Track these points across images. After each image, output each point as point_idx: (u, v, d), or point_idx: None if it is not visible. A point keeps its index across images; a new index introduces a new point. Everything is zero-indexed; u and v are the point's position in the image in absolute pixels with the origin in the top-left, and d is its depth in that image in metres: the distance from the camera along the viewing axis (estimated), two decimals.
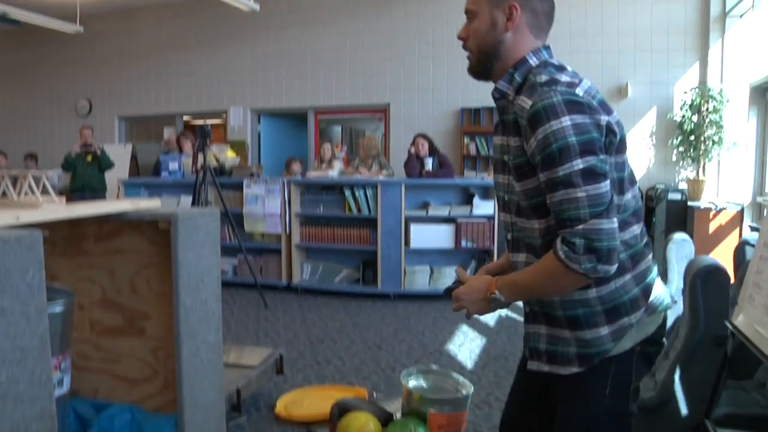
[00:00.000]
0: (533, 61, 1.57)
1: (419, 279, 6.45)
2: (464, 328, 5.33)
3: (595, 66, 7.86)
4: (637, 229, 1.59)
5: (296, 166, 7.75)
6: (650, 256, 1.62)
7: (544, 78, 1.49)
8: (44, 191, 2.27)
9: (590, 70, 7.89)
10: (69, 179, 8.59)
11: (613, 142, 1.49)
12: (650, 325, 1.59)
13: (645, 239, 1.62)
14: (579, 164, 1.40)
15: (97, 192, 8.37)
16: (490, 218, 6.46)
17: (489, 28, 1.58)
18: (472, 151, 8.55)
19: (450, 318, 5.62)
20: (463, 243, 6.45)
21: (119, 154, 9.42)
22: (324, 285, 6.70)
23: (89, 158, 8.39)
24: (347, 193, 6.53)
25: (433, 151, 7.08)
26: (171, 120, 10.30)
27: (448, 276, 6.48)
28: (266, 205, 6.78)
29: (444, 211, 6.53)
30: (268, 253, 6.93)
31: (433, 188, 6.73)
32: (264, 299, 6.03)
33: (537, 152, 1.44)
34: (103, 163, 8.39)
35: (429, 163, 6.94)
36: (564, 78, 1.49)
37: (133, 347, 2.64)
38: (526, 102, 1.46)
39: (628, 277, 1.55)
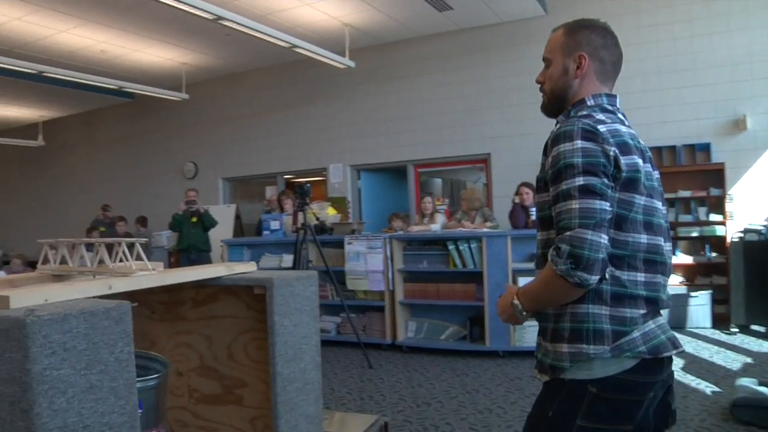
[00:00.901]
0: (589, 102, 1.76)
1: (529, 335, 6.07)
2: None
3: (707, 99, 7.36)
4: (642, 277, 1.64)
5: (398, 222, 7.62)
6: (649, 311, 1.64)
7: (582, 113, 1.71)
8: (139, 257, 2.20)
9: (703, 104, 7.40)
10: (176, 239, 8.87)
11: (617, 176, 1.60)
12: (612, 366, 1.61)
13: (653, 293, 1.65)
14: (580, 181, 1.56)
15: (202, 252, 8.56)
16: None
17: (561, 74, 1.79)
18: None
19: None
20: None
21: (223, 214, 9.66)
22: (429, 343, 6.43)
23: (194, 219, 8.63)
24: (451, 247, 6.30)
25: None
26: (273, 179, 10.50)
27: None
28: (368, 262, 6.64)
29: None
30: (371, 310, 6.76)
31: None
32: (368, 359, 5.84)
33: (550, 168, 1.63)
34: (206, 223, 8.60)
35: (535, 213, 6.60)
36: (599, 116, 1.68)
37: (231, 416, 2.55)
38: (558, 124, 1.70)
39: (603, 310, 1.62)
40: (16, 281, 2.31)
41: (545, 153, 1.70)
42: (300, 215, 6.15)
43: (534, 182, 5.95)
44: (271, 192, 9.92)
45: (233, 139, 10.55)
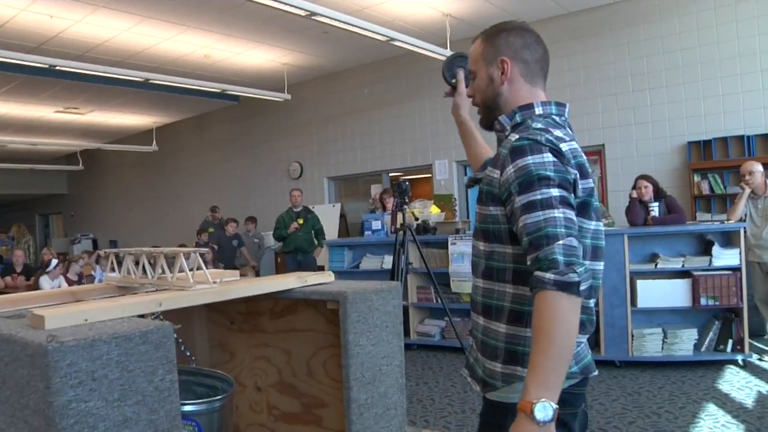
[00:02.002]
0: (538, 110, 1.66)
1: (650, 344, 5.53)
2: (711, 407, 4.36)
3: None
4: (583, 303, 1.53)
5: None
6: (581, 332, 1.50)
7: (538, 125, 1.59)
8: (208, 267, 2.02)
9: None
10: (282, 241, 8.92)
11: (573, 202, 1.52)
12: None
13: (587, 316, 1.57)
14: (556, 192, 1.46)
15: (307, 253, 8.53)
16: (736, 270, 5.42)
17: (487, 83, 1.73)
18: (705, 189, 7.48)
19: (691, 393, 4.66)
20: (703, 300, 5.46)
21: (328, 213, 9.62)
22: None
23: (300, 220, 8.63)
24: None
25: (658, 193, 6.21)
26: (378, 177, 10.35)
27: (685, 340, 5.49)
28: None
29: (677, 264, 5.63)
30: None
31: (661, 237, 5.84)
32: None
33: (513, 179, 1.49)
34: (312, 225, 8.58)
35: (655, 208, 6.09)
36: (556, 132, 1.56)
37: None
38: (513, 136, 1.58)
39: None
40: (78, 293, 2.19)
41: (494, 165, 1.60)
42: (399, 215, 5.91)
43: (651, 174, 5.36)
44: (376, 190, 9.78)
45: (337, 138, 10.50)
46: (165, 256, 2.05)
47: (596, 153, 8.24)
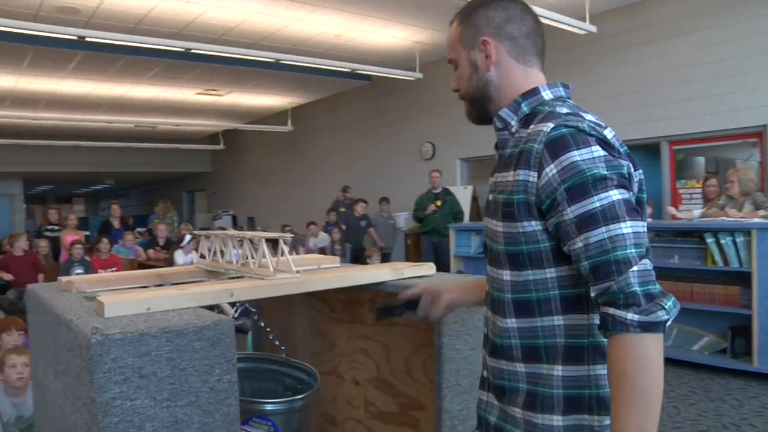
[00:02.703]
0: (546, 94, 1.38)
1: None
2: None
3: None
4: None
5: (647, 209, 6.60)
6: None
7: (565, 109, 1.28)
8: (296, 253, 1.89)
9: None
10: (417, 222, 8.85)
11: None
12: None
13: None
14: (617, 194, 1.16)
15: (443, 236, 8.40)
16: None
17: (471, 71, 1.44)
18: None
19: None
20: None
21: (460, 196, 9.40)
22: (677, 353, 5.47)
23: (438, 202, 8.50)
24: (710, 240, 5.27)
25: None
26: None
27: None
28: None
29: None
30: None
31: None
32: None
33: (559, 182, 1.18)
34: (451, 208, 8.43)
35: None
36: (589, 116, 1.25)
37: None
38: (543, 125, 1.24)
39: (603, 369, 1.22)
40: (165, 275, 2.13)
41: (515, 166, 1.26)
42: None
43: None
44: None
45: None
46: (252, 241, 1.93)
47: (755, 135, 7.35)
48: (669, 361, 5.39)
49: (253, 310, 1.95)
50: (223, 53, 7.56)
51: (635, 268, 1.11)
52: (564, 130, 1.20)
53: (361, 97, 12.29)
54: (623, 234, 1.13)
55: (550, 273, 1.25)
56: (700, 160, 8.91)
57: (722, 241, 5.18)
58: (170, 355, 1.32)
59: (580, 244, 1.16)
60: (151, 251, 8.66)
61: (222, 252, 2.07)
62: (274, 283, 1.75)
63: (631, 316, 1.09)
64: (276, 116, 14.28)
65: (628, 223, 1.14)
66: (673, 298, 1.11)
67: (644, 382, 1.09)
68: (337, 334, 2.49)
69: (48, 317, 1.69)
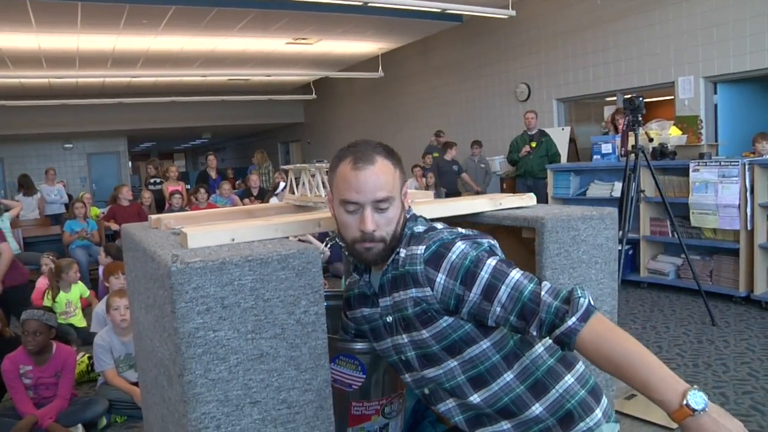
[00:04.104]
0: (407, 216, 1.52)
1: None
2: None
3: None
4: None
5: (765, 144, 6.07)
6: (580, 360, 1.49)
7: (420, 228, 1.48)
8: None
9: None
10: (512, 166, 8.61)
11: None
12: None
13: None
14: (492, 260, 1.36)
15: (538, 179, 8.12)
16: None
17: (400, 215, 1.47)
18: None
19: None
20: None
21: (557, 137, 9.01)
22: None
23: (533, 143, 8.22)
24: None
25: None
26: (612, 98, 9.43)
27: None
28: (720, 194, 5.42)
29: None
30: (721, 254, 5.54)
31: None
32: (711, 313, 4.76)
33: (451, 283, 1.36)
34: (547, 149, 8.15)
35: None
36: (436, 226, 1.49)
37: None
38: (416, 249, 1.42)
39: (568, 379, 1.45)
40: (255, 211, 2.08)
41: (410, 285, 1.41)
42: (631, 136, 5.21)
43: None
44: (609, 112, 8.91)
45: (566, 56, 9.67)
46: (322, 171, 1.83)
47: None
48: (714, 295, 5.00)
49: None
50: None
51: (543, 292, 1.28)
52: (432, 248, 1.39)
53: (452, 39, 11.92)
54: (516, 280, 1.31)
55: (484, 343, 1.41)
56: None
57: None
58: (254, 285, 1.25)
59: (499, 309, 1.31)
60: (246, 201, 8.81)
61: (310, 186, 2.00)
62: None
63: (571, 322, 1.23)
64: (366, 63, 14.10)
65: (513, 272, 1.32)
66: (577, 287, 1.28)
67: (619, 344, 1.21)
68: None
69: (138, 253, 1.67)
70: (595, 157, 6.83)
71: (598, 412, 1.44)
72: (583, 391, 1.45)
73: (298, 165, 2.06)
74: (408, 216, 1.50)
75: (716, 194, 5.45)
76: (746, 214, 5.22)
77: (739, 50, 7.54)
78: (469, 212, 1.95)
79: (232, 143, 28.31)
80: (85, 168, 17.97)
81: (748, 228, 5.22)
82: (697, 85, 8.11)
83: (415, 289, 1.39)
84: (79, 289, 5.33)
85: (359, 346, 1.66)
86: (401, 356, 1.51)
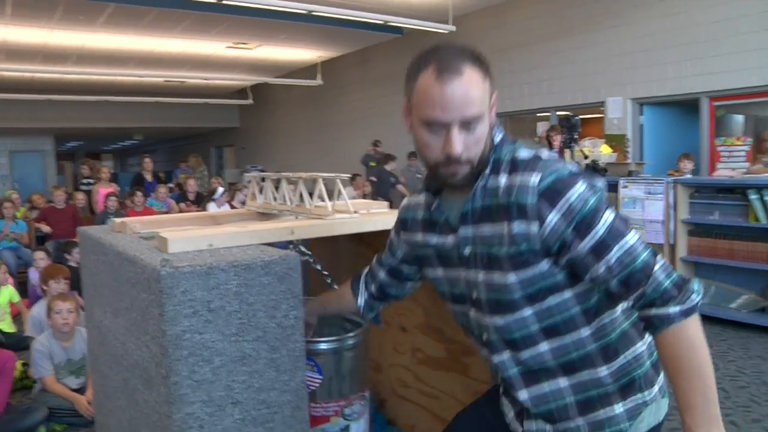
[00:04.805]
0: (498, 138, 1.34)
1: None
2: None
3: None
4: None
5: (687, 164, 6.46)
6: None
7: (525, 154, 1.30)
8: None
9: None
10: None
11: None
12: (662, 410, 1.39)
13: None
14: (611, 214, 1.24)
15: None
16: None
17: (489, 128, 1.31)
18: None
19: None
20: None
21: None
22: (716, 311, 5.39)
23: None
24: (753, 196, 5.14)
25: None
26: (545, 115, 9.80)
27: None
28: (646, 210, 5.76)
29: None
30: None
31: None
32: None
33: (563, 226, 1.23)
34: None
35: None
36: (543, 154, 1.30)
37: (454, 386, 2.24)
38: (527, 176, 1.25)
39: (640, 346, 1.36)
40: (219, 217, 2.12)
41: (514, 217, 1.25)
42: (567, 152, 5.46)
43: None
44: (542, 128, 9.26)
45: (503, 72, 9.99)
46: (304, 181, 1.90)
47: None
48: (706, 318, 5.32)
49: (309, 252, 1.92)
50: (254, 4, 7.44)
51: (656, 267, 1.20)
52: (551, 178, 1.23)
53: (391, 50, 12.12)
54: (632, 245, 1.21)
55: (567, 293, 1.30)
56: (739, 119, 8.68)
57: (766, 198, 5.06)
58: (238, 290, 1.31)
59: (603, 269, 1.22)
60: (182, 205, 8.71)
61: (274, 195, 2.05)
62: (334, 222, 1.73)
63: (672, 309, 1.18)
64: (305, 70, 14.13)
65: (630, 234, 1.22)
66: (696, 280, 1.21)
67: (699, 358, 1.18)
68: None
69: (107, 257, 1.69)
70: None
71: (656, 387, 1.38)
72: (649, 362, 1.38)
73: (266, 174, 2.12)
74: (499, 134, 1.35)
75: (643, 210, 5.76)
76: (669, 229, 5.55)
77: (661, 75, 8.00)
78: None
79: (165, 146, 27.76)
80: (7, 166, 17.28)
81: (671, 242, 5.55)
82: (625, 105, 8.53)
83: (519, 222, 1.25)
84: (8, 292, 5.17)
85: (314, 347, 1.73)
86: (472, 293, 1.39)
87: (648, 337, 1.36)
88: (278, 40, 11.25)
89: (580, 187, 1.23)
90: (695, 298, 1.19)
